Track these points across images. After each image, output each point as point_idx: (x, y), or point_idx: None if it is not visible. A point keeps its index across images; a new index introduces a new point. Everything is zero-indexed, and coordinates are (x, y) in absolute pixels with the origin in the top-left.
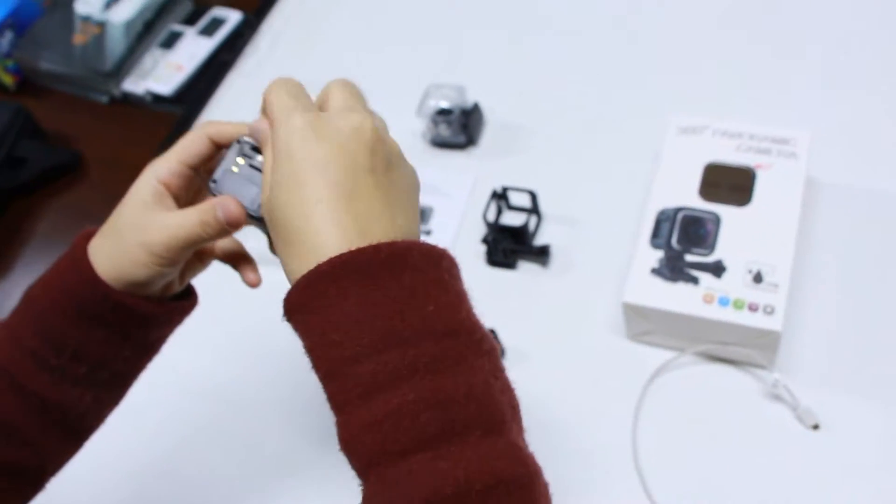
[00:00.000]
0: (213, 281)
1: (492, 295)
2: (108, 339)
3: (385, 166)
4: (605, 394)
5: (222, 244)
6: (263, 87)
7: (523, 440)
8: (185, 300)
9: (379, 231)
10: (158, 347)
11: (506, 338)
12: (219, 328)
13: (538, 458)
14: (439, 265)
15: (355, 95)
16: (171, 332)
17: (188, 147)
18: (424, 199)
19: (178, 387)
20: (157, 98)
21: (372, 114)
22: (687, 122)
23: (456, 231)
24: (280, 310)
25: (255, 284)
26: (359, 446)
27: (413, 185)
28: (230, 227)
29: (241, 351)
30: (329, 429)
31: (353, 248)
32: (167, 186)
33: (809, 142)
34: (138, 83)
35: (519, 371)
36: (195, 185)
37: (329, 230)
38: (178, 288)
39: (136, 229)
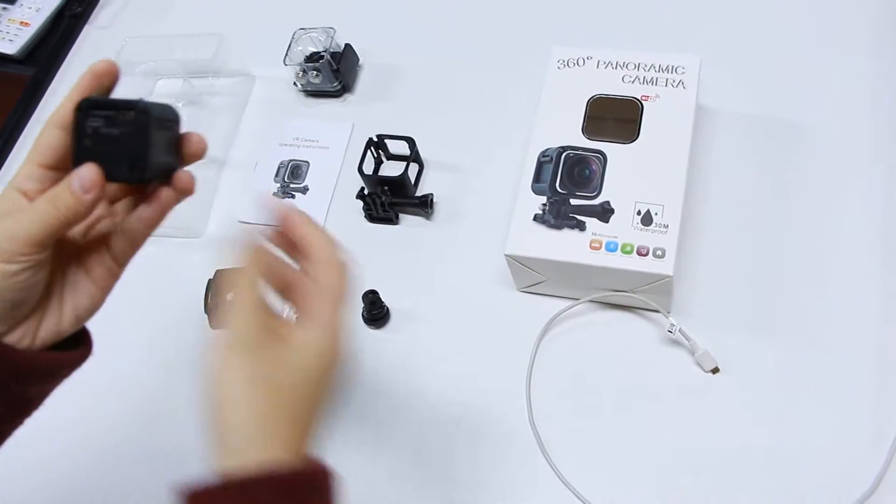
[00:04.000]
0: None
1: (373, 253)
2: None
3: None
4: (496, 350)
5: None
6: (121, 42)
7: None
8: (76, 349)
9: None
10: (39, 403)
11: (389, 298)
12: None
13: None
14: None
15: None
16: (56, 386)
17: (38, 145)
18: (299, 154)
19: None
20: (3, 58)
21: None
22: (569, 53)
23: (333, 186)
24: None
25: (172, 200)
26: None
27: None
28: (87, 192)
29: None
30: None
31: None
32: (25, 194)
33: (699, 69)
34: None
35: (405, 332)
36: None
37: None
38: (66, 326)
39: None
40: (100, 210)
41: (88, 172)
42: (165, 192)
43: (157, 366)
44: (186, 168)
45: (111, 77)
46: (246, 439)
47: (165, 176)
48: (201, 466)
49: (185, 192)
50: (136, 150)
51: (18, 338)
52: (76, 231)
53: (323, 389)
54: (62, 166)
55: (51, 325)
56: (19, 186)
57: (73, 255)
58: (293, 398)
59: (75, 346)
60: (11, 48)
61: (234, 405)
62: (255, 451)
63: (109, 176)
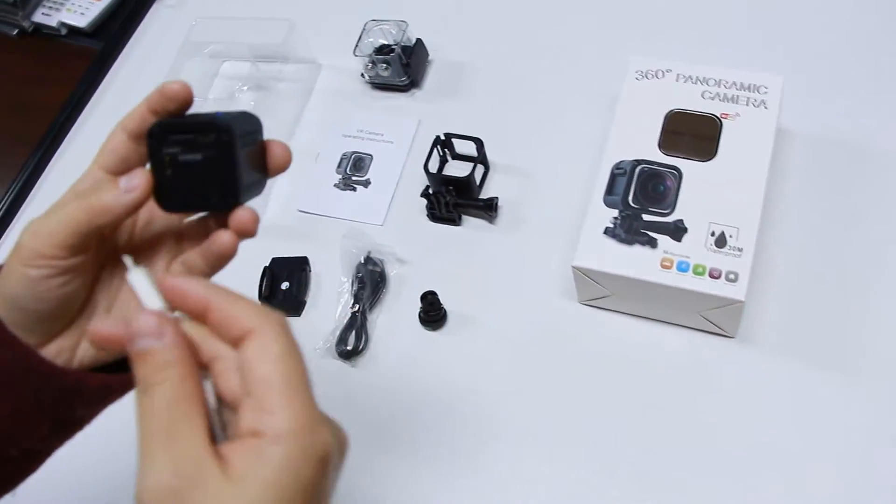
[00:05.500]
0: None
1: (434, 253)
2: (20, 413)
3: None
4: (550, 362)
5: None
6: (192, 21)
7: None
8: (127, 371)
9: None
10: (88, 421)
11: (448, 300)
12: None
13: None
14: None
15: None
16: (104, 408)
17: (104, 148)
18: (363, 146)
19: None
20: (73, 31)
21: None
22: (648, 64)
23: (396, 181)
24: None
25: (229, 245)
26: None
27: None
28: (130, 191)
29: None
30: None
31: None
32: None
33: (782, 90)
34: (51, 14)
35: (461, 337)
36: None
37: None
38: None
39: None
40: (161, 226)
41: (139, 174)
42: (225, 236)
43: None
44: (246, 206)
45: (182, 103)
46: None
47: (257, 193)
48: None
49: (245, 232)
50: (225, 176)
51: (54, 353)
52: (136, 250)
53: None
54: (125, 172)
55: (90, 346)
56: (76, 188)
57: (124, 275)
58: None
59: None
60: (82, 21)
61: None
62: None
63: (200, 207)
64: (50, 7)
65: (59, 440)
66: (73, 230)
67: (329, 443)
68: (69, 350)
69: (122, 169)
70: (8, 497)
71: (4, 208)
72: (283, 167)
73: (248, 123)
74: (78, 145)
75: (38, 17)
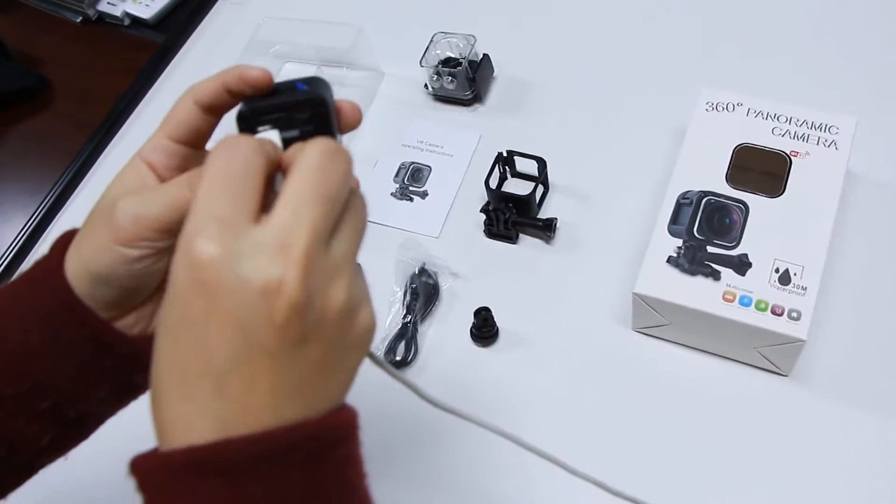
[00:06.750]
0: None
1: (489, 270)
2: (81, 375)
3: (296, 343)
4: (597, 387)
5: None
6: (255, 21)
7: None
8: None
9: (254, 424)
10: (143, 391)
11: (500, 318)
12: None
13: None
14: (330, 457)
15: (319, 204)
16: None
17: (171, 117)
18: (422, 157)
19: None
20: (136, 22)
21: (307, 260)
22: (719, 97)
23: (454, 195)
24: None
25: None
26: None
27: (343, 354)
28: None
29: None
30: None
31: (215, 438)
32: (150, 165)
33: (854, 131)
34: (116, 4)
35: (511, 355)
36: (194, 165)
37: (186, 414)
38: None
39: (104, 213)
40: None
41: None
42: None
43: None
44: None
45: (261, 91)
46: None
47: None
48: None
49: None
50: None
51: (132, 323)
52: None
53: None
54: (194, 143)
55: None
56: (146, 157)
57: None
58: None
59: None
60: (147, 13)
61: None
62: None
63: None
64: None
65: (114, 406)
66: (177, 218)
67: (217, 265)
68: (147, 318)
69: (192, 139)
70: (60, 461)
71: (58, 192)
72: (355, 125)
73: (328, 90)
74: (134, 135)
75: (104, 6)
